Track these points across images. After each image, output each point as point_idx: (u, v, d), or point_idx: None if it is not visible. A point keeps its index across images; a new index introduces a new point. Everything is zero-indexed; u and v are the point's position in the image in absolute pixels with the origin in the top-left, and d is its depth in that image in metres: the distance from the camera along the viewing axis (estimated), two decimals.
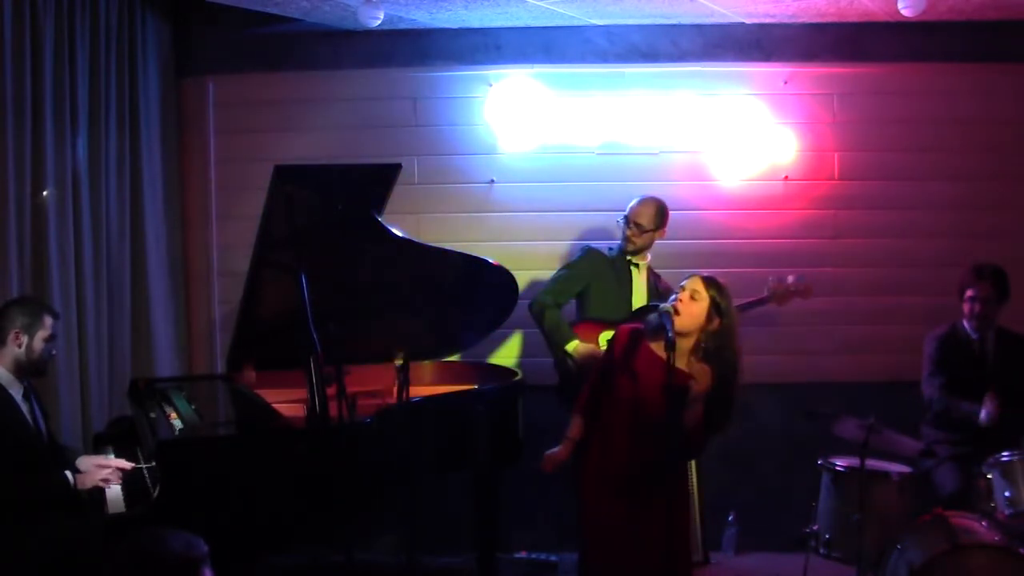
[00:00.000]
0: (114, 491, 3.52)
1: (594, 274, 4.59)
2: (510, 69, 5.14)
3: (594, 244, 4.73)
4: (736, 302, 4.42)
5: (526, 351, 5.15)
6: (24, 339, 3.56)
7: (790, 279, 4.64)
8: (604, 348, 4.38)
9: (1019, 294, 4.51)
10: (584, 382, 4.21)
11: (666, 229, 4.57)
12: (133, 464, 3.64)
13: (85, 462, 3.67)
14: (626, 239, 4.54)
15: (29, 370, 3.62)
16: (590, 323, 4.53)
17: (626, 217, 4.54)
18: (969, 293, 4.39)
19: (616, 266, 4.58)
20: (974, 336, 4.43)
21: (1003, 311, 4.44)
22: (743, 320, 4.45)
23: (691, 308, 3.38)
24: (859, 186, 5.15)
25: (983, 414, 4.16)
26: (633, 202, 4.56)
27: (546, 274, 4.93)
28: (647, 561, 3.32)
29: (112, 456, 3.75)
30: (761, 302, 4.62)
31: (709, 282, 3.42)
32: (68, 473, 3.49)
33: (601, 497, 3.48)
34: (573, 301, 4.67)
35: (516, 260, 4.72)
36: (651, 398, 3.31)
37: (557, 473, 3.68)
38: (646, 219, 4.51)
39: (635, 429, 3.39)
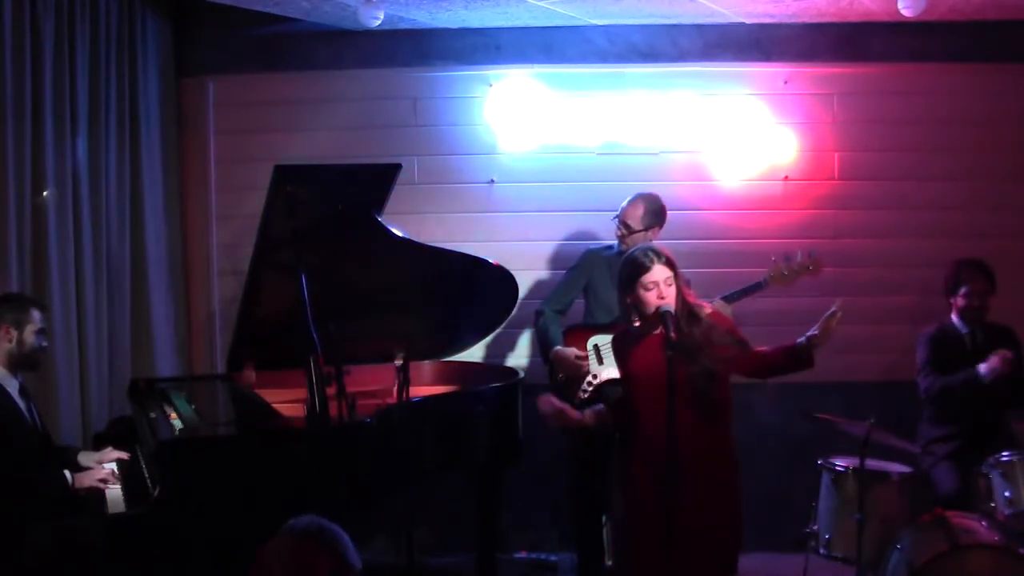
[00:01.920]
0: (114, 491, 3.53)
1: (591, 276, 4.56)
2: (510, 69, 5.14)
3: (594, 244, 4.71)
4: (725, 292, 4.44)
5: (530, 351, 5.15)
6: (15, 333, 3.62)
7: (798, 257, 4.41)
8: (590, 353, 4.40)
9: (1019, 294, 4.51)
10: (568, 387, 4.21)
11: (660, 228, 4.42)
12: (127, 454, 3.68)
13: (86, 457, 3.69)
14: (618, 239, 4.50)
15: (22, 363, 3.66)
16: (581, 328, 4.50)
17: (617, 217, 4.46)
18: (965, 289, 4.41)
19: (613, 267, 4.54)
20: (964, 331, 4.45)
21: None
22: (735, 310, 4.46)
23: (672, 292, 3.36)
24: (859, 186, 5.14)
25: (983, 368, 4.18)
26: (624, 201, 4.46)
27: (546, 274, 4.94)
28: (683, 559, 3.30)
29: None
30: (757, 287, 4.43)
31: (668, 262, 3.37)
32: (67, 472, 3.50)
33: (637, 498, 3.46)
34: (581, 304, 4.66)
35: (516, 260, 4.71)
36: (660, 391, 3.30)
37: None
38: (634, 220, 4.39)
39: (651, 422, 3.37)
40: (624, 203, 4.47)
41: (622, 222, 4.43)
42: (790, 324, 5.03)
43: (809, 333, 3.37)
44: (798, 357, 3.40)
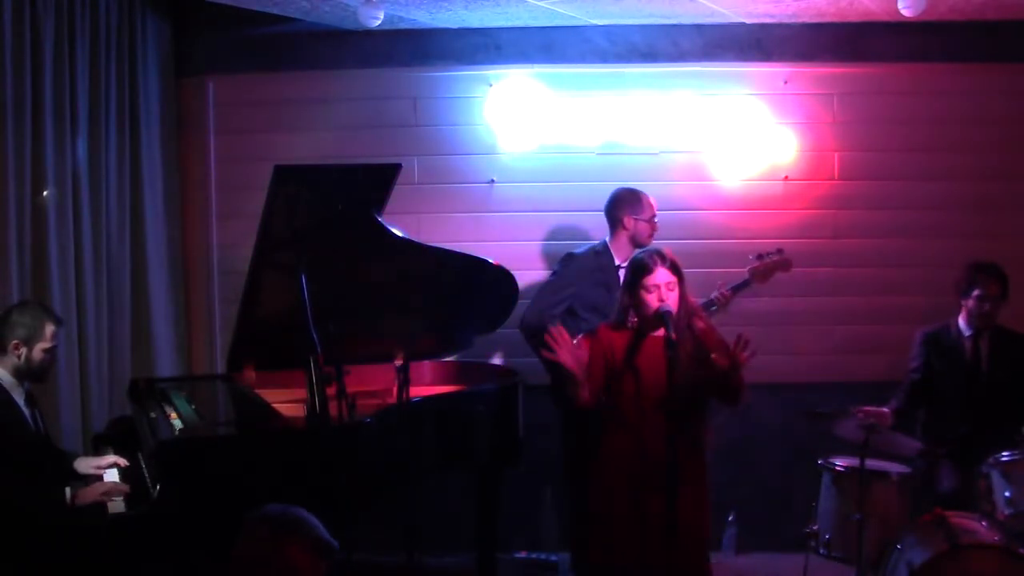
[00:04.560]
0: None
1: (580, 280, 4.49)
2: (510, 69, 5.14)
3: (578, 249, 4.67)
4: (720, 291, 4.45)
5: (525, 351, 5.13)
6: (23, 350, 3.56)
7: (770, 255, 4.59)
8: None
9: (1019, 294, 4.51)
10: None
11: (633, 216, 4.49)
12: (126, 462, 3.65)
13: (83, 463, 3.67)
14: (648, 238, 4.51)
15: (29, 377, 3.62)
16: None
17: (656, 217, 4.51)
18: (978, 292, 4.37)
19: (603, 271, 4.49)
20: (966, 333, 4.43)
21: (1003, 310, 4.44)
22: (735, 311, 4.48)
23: (673, 297, 3.41)
24: (859, 186, 5.15)
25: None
26: (652, 199, 4.52)
27: (546, 274, 4.92)
28: (658, 557, 3.32)
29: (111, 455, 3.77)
30: (746, 284, 4.56)
31: (673, 266, 3.43)
32: (67, 489, 3.45)
33: (613, 493, 3.47)
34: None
35: (516, 260, 4.71)
36: (659, 391, 3.32)
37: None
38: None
39: (644, 423, 3.39)
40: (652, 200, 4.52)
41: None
42: (788, 324, 5.09)
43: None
44: (720, 384, 3.43)
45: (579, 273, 4.50)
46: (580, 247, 4.66)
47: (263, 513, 2.15)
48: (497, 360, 5.09)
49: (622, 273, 4.45)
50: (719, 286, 4.52)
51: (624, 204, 4.49)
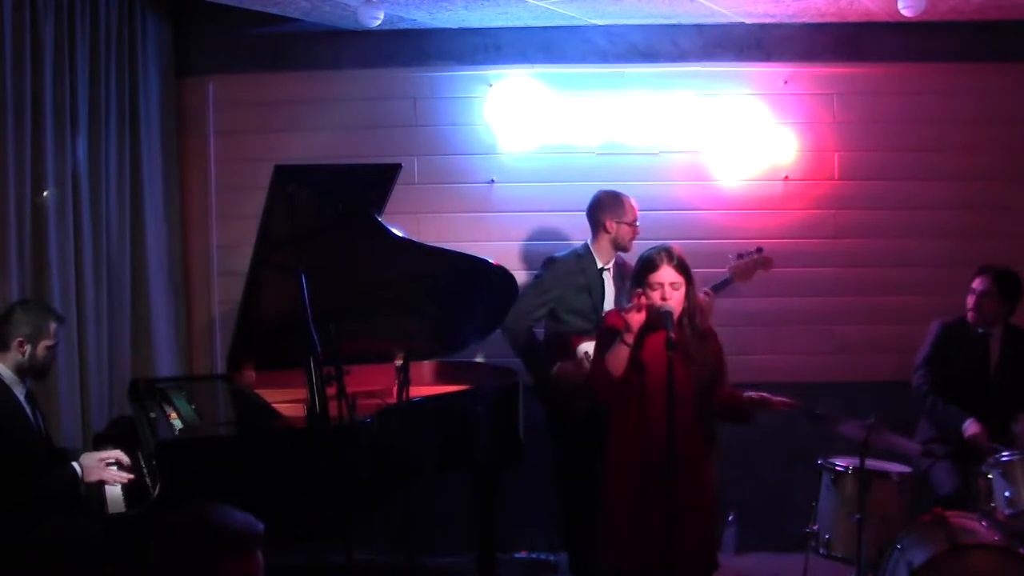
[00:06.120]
0: (114, 491, 3.52)
1: (563, 284, 4.50)
2: (510, 69, 5.14)
3: (558, 253, 4.63)
4: (703, 288, 4.46)
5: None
6: (28, 348, 3.60)
7: (751, 254, 4.54)
8: (584, 361, 4.34)
9: None
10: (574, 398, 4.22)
11: (614, 220, 4.49)
12: (130, 461, 3.67)
13: (88, 458, 3.68)
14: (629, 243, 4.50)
15: (30, 374, 3.65)
16: (563, 337, 4.46)
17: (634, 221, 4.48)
18: (972, 286, 4.42)
19: (584, 274, 4.49)
20: (978, 331, 4.44)
21: (1010, 312, 4.43)
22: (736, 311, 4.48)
23: (678, 296, 3.42)
24: (859, 186, 5.15)
25: (968, 427, 4.22)
26: (633, 201, 4.51)
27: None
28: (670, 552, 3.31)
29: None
30: (725, 283, 4.50)
31: (680, 265, 3.42)
32: (76, 465, 3.50)
33: (620, 488, 3.48)
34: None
35: (516, 260, 4.71)
36: (662, 388, 3.32)
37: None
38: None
39: (647, 417, 3.40)
40: (634, 202, 4.51)
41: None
42: (789, 324, 5.09)
43: (765, 395, 3.54)
44: (738, 411, 3.57)
45: (560, 276, 4.51)
46: (561, 250, 4.66)
47: (178, 528, 2.03)
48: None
49: (605, 276, 4.48)
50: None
51: (605, 208, 4.48)
